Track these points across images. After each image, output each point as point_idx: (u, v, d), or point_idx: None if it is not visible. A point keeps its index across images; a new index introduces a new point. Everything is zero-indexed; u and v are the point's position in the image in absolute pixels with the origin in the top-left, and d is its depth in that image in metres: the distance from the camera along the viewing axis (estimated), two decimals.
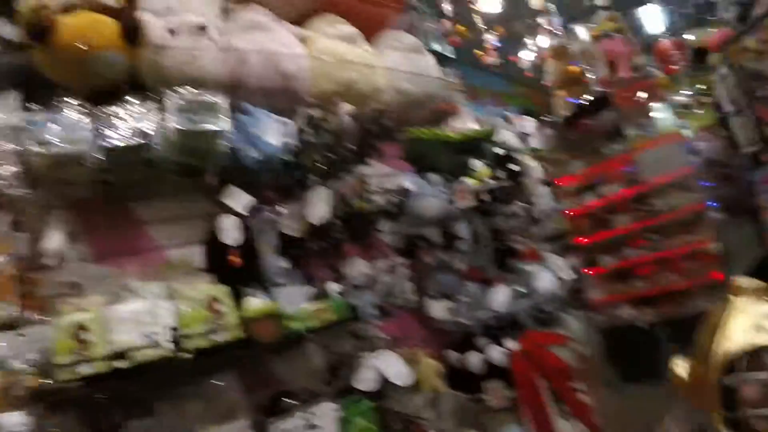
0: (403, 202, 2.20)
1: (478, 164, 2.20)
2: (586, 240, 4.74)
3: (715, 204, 4.27)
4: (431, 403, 2.06)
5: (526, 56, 5.50)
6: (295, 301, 1.72)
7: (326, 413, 1.70)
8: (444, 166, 2.24)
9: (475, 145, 2.29)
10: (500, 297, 2.21)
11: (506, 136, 2.52)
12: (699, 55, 5.12)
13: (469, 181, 2.14)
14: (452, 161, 2.27)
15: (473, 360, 2.24)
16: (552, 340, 2.26)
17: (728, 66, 2.32)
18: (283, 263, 1.81)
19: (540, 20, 4.83)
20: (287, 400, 1.73)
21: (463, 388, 2.26)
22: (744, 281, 1.06)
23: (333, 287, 1.89)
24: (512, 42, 5.04)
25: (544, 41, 4.95)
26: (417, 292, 2.24)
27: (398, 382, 1.89)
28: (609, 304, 4.63)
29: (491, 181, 2.17)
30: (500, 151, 2.25)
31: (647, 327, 4.36)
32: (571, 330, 2.39)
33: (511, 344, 2.19)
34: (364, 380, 1.86)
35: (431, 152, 2.28)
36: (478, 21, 4.56)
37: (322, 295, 1.85)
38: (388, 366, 1.90)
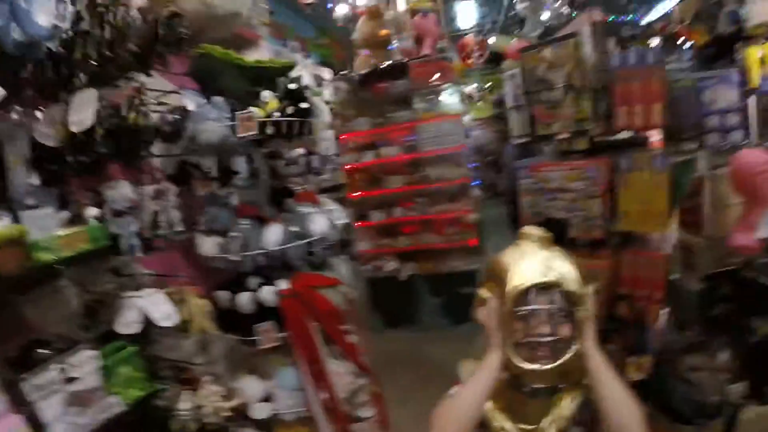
0: (182, 122, 1.98)
1: (267, 95, 2.07)
2: (359, 194, 5.02)
3: (478, 182, 4.94)
4: (201, 347, 1.95)
5: (341, 9, 5.49)
6: (44, 226, 1.41)
7: (85, 362, 1.51)
8: (232, 91, 2.06)
9: (269, 74, 2.15)
10: (273, 236, 2.16)
11: (302, 74, 2.43)
12: (496, 58, 5.81)
13: (256, 111, 2.01)
14: (241, 87, 2.09)
15: (244, 300, 2.18)
16: (322, 282, 2.31)
17: (522, 69, 2.64)
18: (33, 179, 1.48)
19: None
20: (40, 350, 1.47)
21: (234, 329, 2.19)
22: (533, 230, 1.26)
23: (91, 212, 1.62)
24: None
25: None
26: (186, 225, 2.05)
27: (164, 324, 1.74)
28: (375, 255, 5.02)
29: (278, 114, 2.06)
30: (293, 86, 2.14)
31: (407, 279, 4.87)
32: (340, 274, 2.49)
33: (283, 284, 2.18)
34: (127, 323, 1.68)
35: (221, 73, 2.07)
36: None
37: (77, 220, 1.57)
38: (152, 306, 1.73)
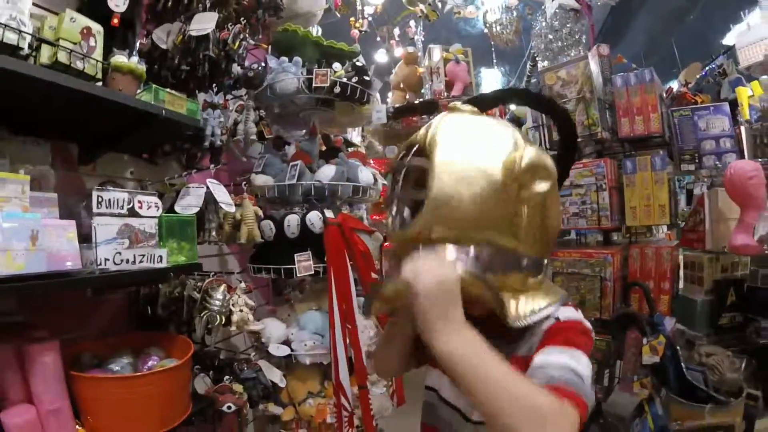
0: (263, 72, 2.39)
1: (338, 65, 2.45)
2: (380, 217, 5.30)
3: None
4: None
5: (380, 56, 6.19)
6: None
7: (150, 204, 1.57)
8: (307, 62, 2.47)
9: (338, 53, 2.56)
10: (327, 171, 2.48)
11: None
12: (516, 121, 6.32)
13: (329, 71, 2.37)
14: (315, 60, 2.50)
15: (292, 221, 2.35)
16: (361, 227, 2.47)
17: (540, 87, 2.99)
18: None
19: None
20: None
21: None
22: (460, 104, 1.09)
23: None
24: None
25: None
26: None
27: (226, 209, 2.02)
28: None
29: (345, 80, 2.40)
30: (359, 63, 2.52)
31: None
32: None
33: (329, 214, 2.36)
34: (188, 204, 1.84)
35: (298, 48, 2.49)
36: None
37: None
38: (218, 190, 1.98)
